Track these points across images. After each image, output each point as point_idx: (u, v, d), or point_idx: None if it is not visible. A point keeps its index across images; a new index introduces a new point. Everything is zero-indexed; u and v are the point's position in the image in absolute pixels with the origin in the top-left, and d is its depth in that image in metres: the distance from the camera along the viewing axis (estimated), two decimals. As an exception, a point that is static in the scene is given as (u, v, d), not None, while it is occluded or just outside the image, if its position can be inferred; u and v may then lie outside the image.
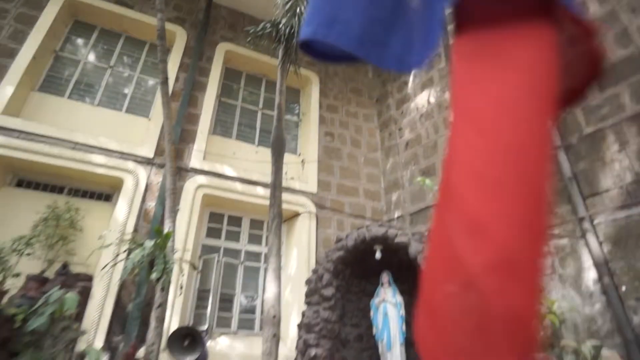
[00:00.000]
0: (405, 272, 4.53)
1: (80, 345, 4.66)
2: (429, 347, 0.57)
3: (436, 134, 7.95)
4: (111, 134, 7.28)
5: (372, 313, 4.48)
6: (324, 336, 4.24)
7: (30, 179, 6.83)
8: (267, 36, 5.65)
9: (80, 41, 8.30)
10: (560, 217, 5.32)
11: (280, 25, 5.13)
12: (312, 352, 4.16)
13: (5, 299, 4.88)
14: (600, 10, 5.51)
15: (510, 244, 0.51)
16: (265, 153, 8.35)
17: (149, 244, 4.20)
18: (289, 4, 5.10)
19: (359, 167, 9.14)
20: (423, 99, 8.57)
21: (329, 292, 4.49)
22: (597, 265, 4.72)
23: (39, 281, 5.71)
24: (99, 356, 3.99)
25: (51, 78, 7.63)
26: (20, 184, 6.77)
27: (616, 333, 4.41)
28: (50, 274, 5.94)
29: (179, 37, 8.68)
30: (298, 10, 5.21)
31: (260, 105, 9.36)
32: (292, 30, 4.97)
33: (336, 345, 4.34)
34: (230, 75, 9.32)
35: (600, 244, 4.76)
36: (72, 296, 3.92)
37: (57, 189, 6.95)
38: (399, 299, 4.42)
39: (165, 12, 6.51)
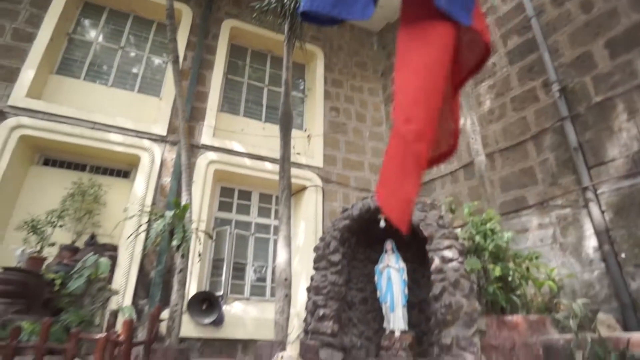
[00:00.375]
0: (403, 241, 4.75)
1: (112, 305, 5.09)
2: (380, 195, 1.04)
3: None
4: (126, 114, 7.55)
5: (376, 278, 4.74)
6: (332, 298, 4.54)
7: (55, 158, 7.22)
8: (272, 11, 5.71)
9: (90, 23, 8.47)
10: (563, 188, 5.41)
11: (285, 0, 5.19)
12: (321, 312, 4.48)
13: (44, 266, 5.35)
14: (614, -26, 5.35)
15: (422, 125, 1.01)
16: (272, 129, 8.54)
17: (169, 214, 4.51)
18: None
19: (364, 142, 9.26)
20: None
21: (335, 258, 4.77)
22: (598, 233, 4.83)
23: (71, 250, 6.18)
24: (131, 312, 4.42)
25: (67, 61, 7.87)
26: (46, 162, 7.18)
27: (613, 298, 4.58)
28: (79, 244, 6.41)
29: (185, 15, 8.74)
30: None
31: (266, 82, 9.45)
32: (297, 5, 5.04)
33: (342, 306, 4.66)
34: (235, 52, 9.39)
35: (603, 212, 4.85)
36: (105, 260, 4.31)
37: (80, 167, 7.33)
38: (401, 264, 4.66)
39: None
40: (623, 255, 4.54)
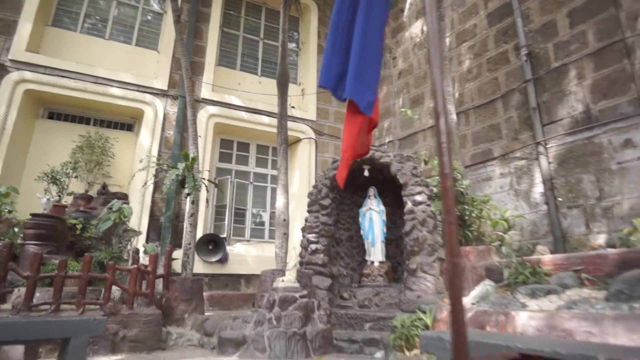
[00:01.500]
0: (387, 186, 5.59)
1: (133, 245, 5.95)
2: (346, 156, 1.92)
3: (426, 64, 8.50)
4: (126, 68, 7.89)
5: (360, 219, 5.65)
6: (322, 235, 5.47)
7: (59, 112, 7.64)
8: None
9: (81, -29, 8.41)
10: (522, 142, 6.26)
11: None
12: (313, 247, 5.43)
13: (65, 213, 6.08)
14: (584, -56, 5.76)
15: (347, 148, 2.13)
16: (268, 83, 8.99)
17: (181, 165, 5.22)
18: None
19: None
20: (417, 28, 8.92)
21: (326, 202, 5.62)
22: (544, 181, 5.78)
23: (85, 199, 6.88)
24: (154, 249, 5.27)
25: (61, 12, 7.97)
26: (51, 116, 7.61)
27: (550, 233, 5.63)
28: (92, 193, 7.10)
29: (178, -35, 8.72)
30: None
31: (262, 35, 9.70)
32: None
33: (331, 242, 5.61)
34: (230, 4, 9.49)
35: (549, 164, 5.76)
36: (128, 207, 5.06)
37: (84, 120, 7.80)
38: (381, 207, 5.56)
39: None
40: (560, 199, 5.53)
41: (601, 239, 5.02)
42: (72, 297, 4.04)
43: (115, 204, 5.21)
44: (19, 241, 5.38)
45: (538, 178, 5.92)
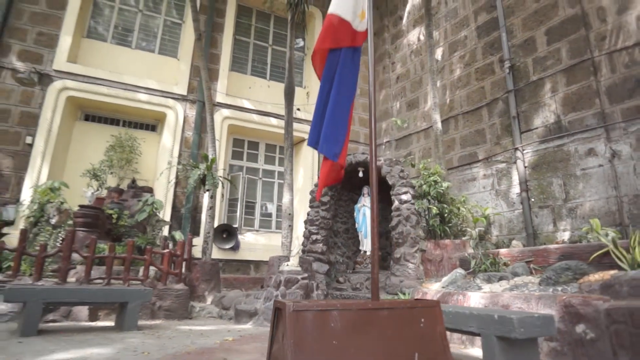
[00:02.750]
0: (380, 186, 6.40)
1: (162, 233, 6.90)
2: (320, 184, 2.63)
3: (422, 70, 9.19)
4: (150, 75, 8.78)
5: (355, 214, 6.49)
6: (322, 227, 6.32)
7: (94, 114, 8.60)
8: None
9: (109, -15, 9.27)
10: (503, 147, 6.98)
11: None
12: (314, 237, 6.29)
13: (103, 204, 7.05)
14: (563, -31, 6.38)
15: (321, 180, 2.57)
16: (276, 87, 9.79)
17: (203, 166, 6.11)
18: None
19: (356, 98, 10.55)
20: (414, 36, 9.58)
21: (325, 199, 6.46)
22: (520, 183, 6.51)
23: (118, 192, 7.85)
24: (181, 236, 6.21)
25: (94, 24, 8.87)
26: (87, 118, 8.58)
27: (524, 230, 6.39)
28: (123, 187, 8.06)
29: (196, -22, 9.51)
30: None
31: (270, 42, 10.47)
32: (300, 1, 6.13)
33: (330, 234, 6.47)
34: (242, 13, 10.26)
35: (525, 168, 6.49)
36: (159, 200, 5.98)
37: (114, 122, 8.75)
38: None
39: None
40: (532, 200, 6.28)
41: (566, 236, 5.78)
42: (117, 274, 5.00)
43: (150, 198, 6.16)
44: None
45: (515, 180, 6.65)
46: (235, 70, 9.82)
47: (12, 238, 6.17)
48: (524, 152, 6.54)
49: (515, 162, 6.66)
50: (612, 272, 3.35)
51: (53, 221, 5.91)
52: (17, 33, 7.90)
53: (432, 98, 6.63)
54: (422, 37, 9.23)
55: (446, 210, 5.68)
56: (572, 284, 3.49)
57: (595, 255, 3.72)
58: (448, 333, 3.34)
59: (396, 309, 1.71)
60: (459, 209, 5.78)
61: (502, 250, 4.72)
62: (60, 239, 5.69)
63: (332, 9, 2.44)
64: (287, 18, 7.09)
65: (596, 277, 3.36)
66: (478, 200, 7.20)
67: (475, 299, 3.87)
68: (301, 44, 10.91)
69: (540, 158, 6.30)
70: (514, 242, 6.41)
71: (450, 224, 5.73)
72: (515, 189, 6.64)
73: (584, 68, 5.90)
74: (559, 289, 3.48)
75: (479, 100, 7.59)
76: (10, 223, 6.97)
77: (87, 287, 4.07)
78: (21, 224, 6.75)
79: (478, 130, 7.54)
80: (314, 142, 2.36)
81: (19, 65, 7.75)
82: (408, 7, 9.92)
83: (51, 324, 4.25)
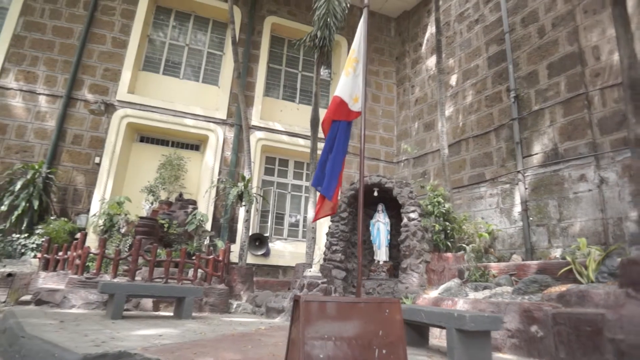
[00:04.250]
0: (391, 204, 7.28)
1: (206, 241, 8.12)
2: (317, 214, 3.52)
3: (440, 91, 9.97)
4: (195, 102, 10.13)
5: (370, 228, 7.40)
6: (341, 239, 7.28)
7: (148, 136, 10.04)
8: (305, 45, 7.83)
9: (163, 24, 10.76)
10: (507, 169, 7.67)
11: (317, 39, 7.32)
12: (334, 248, 7.26)
13: (158, 215, 8.37)
14: (563, 9, 7.05)
15: (317, 214, 3.45)
16: (304, 110, 10.88)
17: (241, 185, 7.26)
18: (322, 19, 7.21)
19: (377, 119, 11.48)
20: (432, 62, 10.39)
21: (344, 214, 7.42)
22: (521, 202, 7.19)
23: (168, 204, 9.17)
24: (222, 244, 7.37)
25: (149, 59, 10.36)
26: (142, 140, 10.03)
27: (523, 245, 7.06)
28: (172, 199, 9.38)
29: (236, 15, 10.80)
30: (329, 21, 7.33)
31: (300, 68, 11.61)
32: (324, 43, 7.19)
33: (348, 245, 7.42)
34: (275, 43, 11.47)
35: (526, 189, 7.17)
36: (205, 214, 7.18)
37: (165, 143, 10.15)
38: (387, 220, 7.26)
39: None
40: (531, 218, 6.94)
41: (558, 252, 6.42)
42: (171, 275, 6.19)
43: (198, 213, 7.39)
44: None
45: (517, 200, 7.33)
46: (268, 96, 11.02)
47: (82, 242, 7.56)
48: (525, 175, 7.22)
49: (517, 184, 7.34)
50: (569, 285, 4.10)
51: (122, 230, 7.24)
52: (88, 70, 9.47)
53: (441, 127, 7.46)
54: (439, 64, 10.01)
55: (449, 228, 6.49)
56: (538, 294, 4.26)
57: (562, 271, 4.47)
58: (431, 328, 4.23)
59: (370, 303, 2.66)
60: (460, 226, 6.57)
61: (492, 264, 5.50)
62: (128, 245, 6.99)
63: (337, 92, 3.43)
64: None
65: (556, 289, 4.13)
66: (485, 217, 7.91)
67: (460, 303, 4.70)
68: (328, 70, 11.96)
69: (538, 181, 6.97)
70: (514, 256, 7.10)
71: (452, 240, 6.53)
72: (517, 208, 7.32)
73: (579, 101, 6.55)
74: (526, 297, 4.27)
75: (488, 125, 8.31)
76: (82, 229, 8.43)
77: (155, 284, 5.26)
78: (91, 231, 8.20)
79: (486, 152, 8.26)
80: (316, 184, 3.34)
81: (90, 97, 9.29)
82: (427, 35, 10.76)
83: (127, 312, 5.47)
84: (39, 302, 5.43)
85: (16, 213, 7.56)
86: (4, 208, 7.57)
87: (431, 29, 10.55)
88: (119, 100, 9.42)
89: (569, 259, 4.45)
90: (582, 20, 6.75)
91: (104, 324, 4.33)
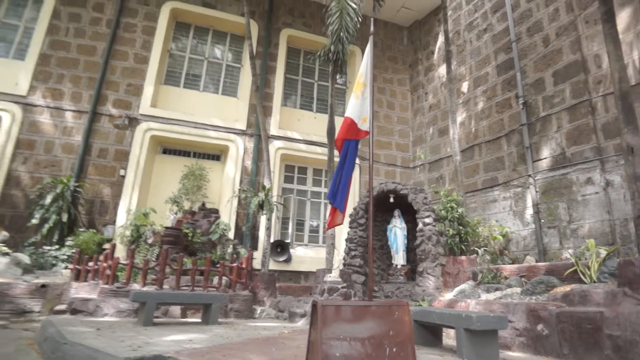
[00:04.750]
0: (406, 210, 7.57)
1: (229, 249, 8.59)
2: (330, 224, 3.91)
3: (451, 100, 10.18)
4: (215, 113, 10.63)
5: (387, 233, 7.71)
6: (359, 245, 7.61)
7: (170, 148, 10.61)
8: (320, 59, 8.24)
9: (182, 39, 11.33)
10: (518, 173, 7.85)
11: (330, 53, 7.73)
12: (352, 253, 7.59)
13: (182, 225, 8.88)
14: (566, 19, 7.23)
15: (330, 223, 3.85)
16: (321, 118, 11.25)
17: (261, 195, 7.70)
18: (335, 34, 7.60)
19: (393, 125, 11.77)
20: (444, 70, 10.60)
21: (362, 220, 7.75)
22: (533, 205, 7.36)
23: (191, 214, 9.67)
24: (245, 252, 7.82)
25: (170, 73, 10.94)
26: (165, 152, 10.60)
27: (536, 247, 7.23)
28: (195, 209, 9.90)
29: (253, 29, 11.26)
30: (342, 35, 7.72)
31: (316, 78, 12.02)
32: (338, 56, 7.58)
33: (366, 250, 7.73)
34: (291, 54, 11.91)
35: (537, 192, 7.33)
36: (228, 224, 7.64)
37: (186, 154, 10.69)
38: (403, 225, 7.55)
39: (244, 9, 9.36)
40: (542, 221, 7.11)
41: (568, 253, 6.57)
42: (197, 282, 6.65)
43: (221, 222, 7.87)
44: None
45: (529, 203, 7.51)
46: (286, 105, 11.46)
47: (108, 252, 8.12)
48: (536, 178, 7.39)
49: (528, 187, 7.52)
50: (573, 285, 4.33)
51: (149, 241, 7.77)
52: (112, 85, 10.08)
53: (452, 134, 7.72)
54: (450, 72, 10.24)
55: (462, 231, 6.74)
56: (545, 294, 4.50)
57: (568, 272, 4.68)
58: (447, 329, 4.52)
59: (381, 306, 3.00)
60: (474, 229, 6.80)
61: (504, 266, 5.73)
62: (155, 254, 7.51)
63: (347, 113, 3.81)
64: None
65: (561, 289, 4.36)
66: (499, 219, 8.09)
67: (473, 305, 4.97)
68: (344, 79, 12.32)
69: (548, 184, 7.13)
70: (527, 257, 7.27)
71: (466, 243, 6.77)
72: (529, 211, 7.49)
73: (583, 107, 6.71)
74: (534, 298, 4.51)
75: (499, 130, 8.50)
76: (109, 240, 8.98)
77: (182, 292, 5.72)
78: (118, 241, 8.66)
79: (498, 157, 8.45)
80: (330, 198, 3.74)
81: (114, 111, 9.89)
82: (438, 44, 11.01)
83: (157, 319, 5.92)
84: (73, 311, 5.74)
85: (47, 226, 8.03)
86: (35, 221, 8.04)
87: (442, 38, 10.78)
88: (141, 114, 9.99)
89: (572, 260, 4.66)
90: (583, 30, 6.92)
91: (137, 330, 4.69)
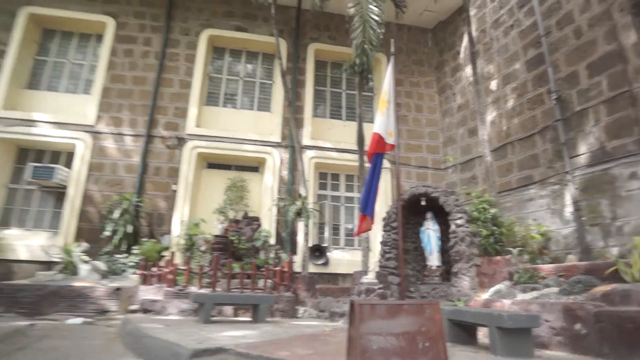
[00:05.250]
0: (439, 211, 7.68)
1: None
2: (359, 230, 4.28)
3: (479, 101, 10.13)
4: (252, 129, 11.27)
5: (421, 235, 7.85)
6: (393, 247, 7.82)
7: (214, 163, 11.36)
8: (348, 71, 8.58)
9: (219, 62, 12.13)
10: (555, 170, 7.74)
11: (356, 66, 8.05)
12: (387, 255, 7.82)
13: (228, 233, 9.51)
14: (598, 9, 7.09)
15: (359, 230, 4.24)
16: (350, 126, 11.56)
17: (299, 203, 8.13)
18: (359, 47, 7.91)
19: (422, 128, 11.85)
20: (471, 70, 10.58)
21: (395, 224, 7.96)
22: (572, 203, 7.24)
23: (235, 222, 10.31)
24: (286, 256, 8.29)
25: (210, 94, 11.75)
26: (209, 166, 11.37)
27: (578, 246, 7.10)
28: (238, 217, 10.52)
29: (282, 47, 11.85)
30: (366, 47, 8.02)
31: (344, 87, 12.37)
32: (363, 68, 7.89)
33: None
34: (319, 67, 12.35)
35: (576, 189, 7.21)
36: (269, 231, 8.13)
37: (228, 167, 11.39)
38: (436, 227, 7.67)
39: (273, 30, 9.95)
40: (584, 218, 6.98)
41: (614, 252, 6.43)
42: (245, 285, 7.17)
43: (263, 230, 8.39)
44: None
45: (568, 200, 7.38)
46: (317, 116, 11.89)
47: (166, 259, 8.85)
48: (574, 175, 7.27)
49: (567, 184, 7.40)
50: (614, 284, 4.33)
51: (202, 249, 8.44)
52: (162, 110, 11.01)
53: (481, 135, 7.76)
54: (477, 72, 10.21)
55: (496, 232, 6.78)
56: (583, 294, 4.53)
57: (609, 271, 4.67)
58: (483, 328, 4.67)
59: (413, 304, 3.27)
60: (510, 229, 6.82)
61: (542, 266, 5.74)
62: (208, 260, 8.15)
63: (375, 129, 4.15)
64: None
65: (601, 288, 4.38)
66: (537, 218, 7.99)
67: (508, 304, 5.07)
68: (372, 82, 12.57)
69: (588, 180, 7.00)
70: (569, 256, 7.16)
71: (501, 243, 6.80)
72: (569, 209, 7.37)
73: (623, 99, 6.55)
74: (571, 297, 4.56)
75: (532, 127, 8.41)
76: (167, 248, 9.81)
77: (233, 294, 6.24)
78: (174, 249, 9.51)
79: (532, 155, 8.35)
80: (363, 209, 4.07)
81: (165, 133, 10.79)
82: (464, 43, 10.99)
83: (212, 318, 6.50)
84: (144, 310, 6.65)
85: (117, 237, 9.09)
86: (107, 233, 9.14)
87: (467, 38, 10.77)
88: (188, 134, 10.83)
89: (613, 258, 4.65)
90: (619, 18, 6.75)
91: (199, 327, 5.31)
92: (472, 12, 10.41)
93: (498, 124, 9.32)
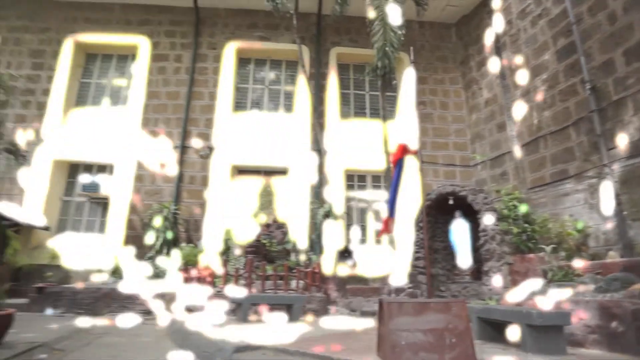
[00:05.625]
0: (468, 210, 7.58)
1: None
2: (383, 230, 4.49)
3: (506, 95, 9.89)
4: (278, 134, 11.53)
5: (450, 234, 7.79)
6: (423, 247, 7.79)
7: (244, 169, 11.73)
8: (370, 75, 8.66)
9: (245, 72, 12.53)
10: (592, 163, 7.44)
11: (378, 69, 8.12)
12: (417, 255, 7.80)
13: (260, 236, 9.83)
14: (632, -8, 6.76)
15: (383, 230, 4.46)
16: (375, 126, 11.57)
17: (327, 206, 8.29)
18: (381, 50, 7.98)
19: (448, 125, 11.67)
20: (498, 63, 10.34)
21: (423, 224, 7.93)
22: (612, 197, 6.93)
23: (266, 226, 10.62)
24: (316, 258, 8.47)
25: (238, 103, 12.16)
26: (239, 172, 11.75)
27: (620, 242, 6.79)
28: (269, 221, 10.82)
29: (304, 53, 12.06)
30: (387, 50, 8.08)
31: (367, 89, 12.42)
32: (385, 71, 7.95)
33: (430, 252, 7.89)
34: (341, 69, 12.47)
35: (615, 182, 6.91)
36: (299, 232, 8.34)
37: (257, 172, 11.72)
38: (465, 225, 7.59)
39: (295, 37, 10.16)
40: (625, 213, 6.68)
41: (657, 246, 6.12)
42: (278, 286, 7.40)
43: (292, 237, 8.63)
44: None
45: (607, 194, 7.07)
46: (341, 119, 11.98)
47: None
48: (613, 167, 6.96)
49: (605, 178, 7.10)
50: (654, 281, 4.17)
51: (237, 253, 8.78)
52: (194, 122, 11.53)
53: (509, 131, 7.60)
54: (504, 63, 9.98)
55: (528, 230, 6.63)
56: (620, 291, 4.38)
57: (649, 267, 4.49)
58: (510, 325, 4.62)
59: (439, 302, 3.34)
60: (544, 226, 6.64)
61: (577, 263, 5.57)
62: (242, 263, 8.47)
63: (400, 141, 4.30)
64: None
65: (639, 286, 4.23)
66: (573, 214, 7.71)
67: (541, 302, 4.97)
68: (395, 82, 12.54)
69: (629, 173, 6.69)
70: (611, 253, 6.86)
71: (534, 240, 6.64)
72: (608, 203, 7.06)
73: (663, 85, 6.22)
74: (607, 295, 4.42)
75: (565, 120, 8.12)
76: (203, 252, 10.23)
77: (268, 294, 6.48)
78: (211, 253, 9.90)
79: (566, 148, 8.07)
80: (390, 212, 4.21)
81: (197, 143, 11.29)
82: (489, 36, 10.75)
83: (248, 317, 6.78)
84: (187, 310, 6.99)
85: (158, 243, 9.62)
86: (151, 240, 9.69)
87: (493, 30, 10.55)
88: (218, 143, 11.27)
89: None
90: (657, -1, 6.43)
91: (237, 325, 5.62)
92: (497, 3, 10.18)
93: (528, 117, 9.06)
